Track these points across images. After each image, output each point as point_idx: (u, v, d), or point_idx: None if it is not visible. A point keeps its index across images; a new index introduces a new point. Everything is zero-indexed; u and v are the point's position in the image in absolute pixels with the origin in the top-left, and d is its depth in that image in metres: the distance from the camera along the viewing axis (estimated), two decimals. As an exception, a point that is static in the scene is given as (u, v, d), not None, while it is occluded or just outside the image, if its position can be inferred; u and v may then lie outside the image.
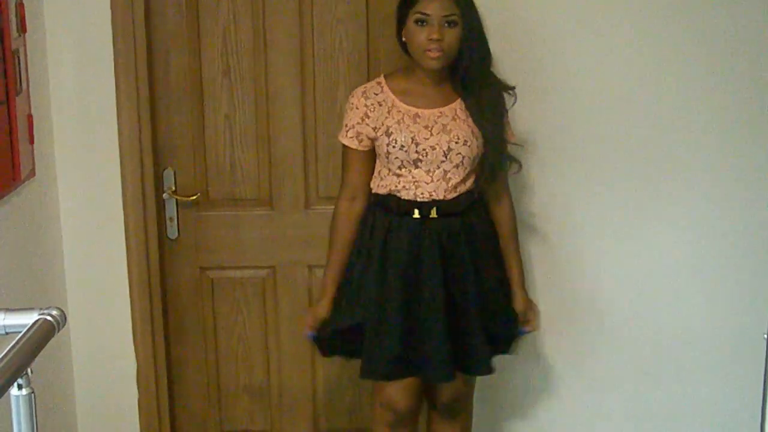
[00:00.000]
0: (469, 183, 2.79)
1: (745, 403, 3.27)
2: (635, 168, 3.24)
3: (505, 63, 3.01)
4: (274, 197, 3.31)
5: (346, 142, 2.80)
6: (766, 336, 2.04)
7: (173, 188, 3.29)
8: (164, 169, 3.28)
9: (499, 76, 2.83)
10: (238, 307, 3.40)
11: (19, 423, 1.56)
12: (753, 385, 3.01)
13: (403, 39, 2.74)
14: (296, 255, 3.34)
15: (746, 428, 3.15)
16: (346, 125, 2.80)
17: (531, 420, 3.46)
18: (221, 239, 3.34)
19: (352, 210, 2.85)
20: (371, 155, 2.82)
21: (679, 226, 3.28)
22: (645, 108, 3.21)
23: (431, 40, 2.64)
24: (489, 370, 2.86)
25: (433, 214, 2.73)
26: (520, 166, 2.90)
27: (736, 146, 3.22)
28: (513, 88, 2.82)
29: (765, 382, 2.05)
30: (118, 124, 3.15)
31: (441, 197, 2.73)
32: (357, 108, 2.77)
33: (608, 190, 3.26)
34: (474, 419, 3.16)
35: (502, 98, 2.81)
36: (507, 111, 2.84)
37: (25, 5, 2.83)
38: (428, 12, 2.64)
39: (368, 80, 2.99)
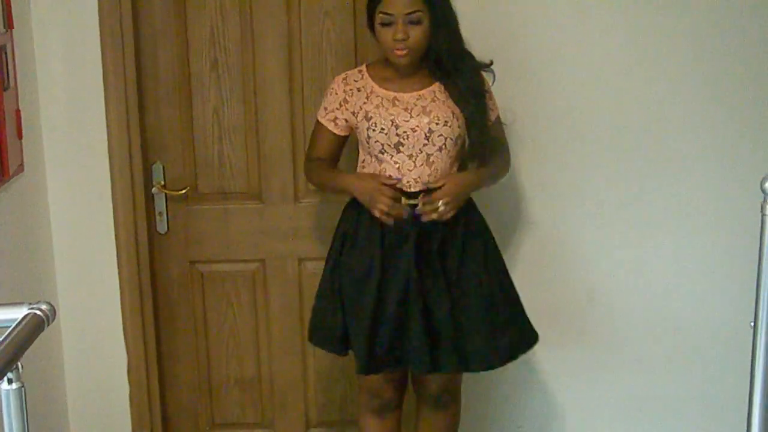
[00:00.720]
0: (459, 168, 2.78)
1: (734, 390, 3.29)
2: (626, 160, 3.25)
3: (495, 53, 3.00)
4: (263, 190, 3.32)
5: (323, 121, 2.82)
6: (752, 324, 2.06)
7: (162, 182, 3.29)
8: (153, 164, 3.28)
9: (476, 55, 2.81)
10: (228, 301, 3.41)
11: (9, 417, 1.56)
12: (741, 373, 3.04)
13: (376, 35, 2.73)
14: (286, 248, 3.35)
15: (735, 415, 3.17)
16: (325, 108, 2.82)
17: (520, 410, 3.47)
18: (211, 233, 3.35)
19: (321, 164, 2.86)
20: (342, 141, 2.84)
21: (668, 217, 3.29)
22: (641, 100, 3.21)
23: (396, 41, 2.64)
24: (488, 365, 2.84)
25: (420, 204, 2.70)
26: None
27: (728, 138, 3.24)
28: (489, 65, 2.80)
29: (752, 369, 2.07)
30: (107, 118, 3.15)
31: (426, 181, 2.71)
32: (336, 93, 2.80)
33: (599, 181, 3.27)
34: (462, 410, 3.17)
35: (481, 77, 2.80)
36: (489, 90, 2.83)
37: (12, 0, 2.82)
38: (390, 11, 2.63)
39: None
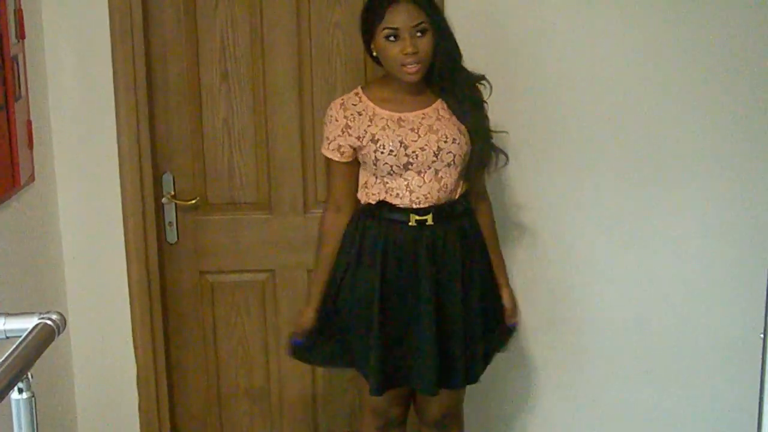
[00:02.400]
0: (463, 186, 2.77)
1: (743, 402, 3.28)
2: (627, 167, 3.25)
3: (491, 60, 3.03)
4: (273, 201, 3.32)
5: (328, 154, 2.76)
6: (762, 336, 2.05)
7: (172, 192, 3.30)
8: (163, 174, 3.29)
9: (471, 69, 2.79)
10: (237, 311, 3.41)
11: (19, 427, 1.56)
12: (751, 384, 3.02)
13: (374, 53, 2.69)
14: (295, 258, 3.35)
15: (745, 428, 3.16)
16: (327, 138, 2.76)
17: (525, 427, 3.46)
18: (220, 243, 3.35)
19: (338, 221, 2.81)
20: (355, 166, 2.78)
21: (673, 225, 3.29)
22: (637, 106, 3.21)
23: (406, 54, 2.60)
24: (472, 379, 2.82)
25: (430, 220, 2.70)
26: (507, 158, 2.85)
27: (731, 143, 3.23)
28: (483, 78, 2.78)
29: (762, 381, 2.06)
30: (117, 128, 3.16)
31: (435, 200, 2.70)
32: (336, 120, 2.73)
33: (599, 189, 3.27)
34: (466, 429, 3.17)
35: (478, 90, 2.78)
36: (486, 102, 2.81)
37: (24, 11, 2.84)
38: (397, 25, 2.59)
39: (366, 82, 2.99)
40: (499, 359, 2.98)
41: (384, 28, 2.61)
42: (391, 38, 2.61)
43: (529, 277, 3.32)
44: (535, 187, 3.27)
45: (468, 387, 2.92)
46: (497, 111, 2.91)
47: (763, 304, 2.04)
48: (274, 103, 3.26)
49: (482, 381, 2.87)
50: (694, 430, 3.42)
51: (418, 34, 2.61)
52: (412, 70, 2.62)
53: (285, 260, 3.35)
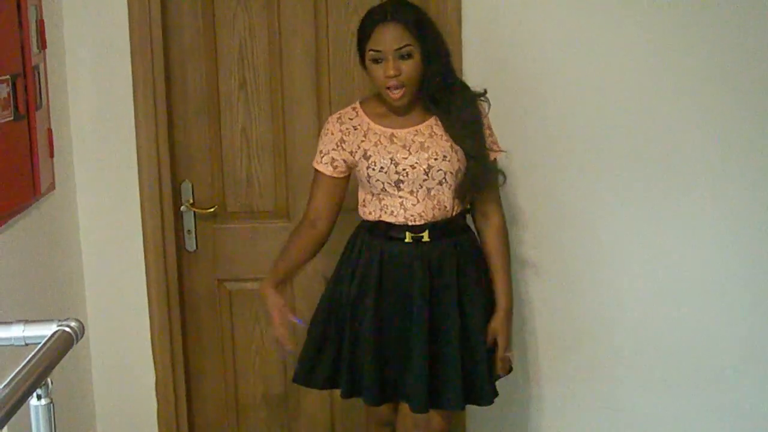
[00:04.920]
0: (458, 203, 2.73)
1: (757, 402, 3.27)
2: (638, 170, 3.23)
3: (488, 74, 3.02)
4: (291, 209, 3.33)
5: (320, 168, 2.76)
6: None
7: (191, 201, 3.32)
8: (182, 182, 3.31)
9: (472, 86, 2.77)
10: (255, 319, 3.42)
11: (38, 433, 1.58)
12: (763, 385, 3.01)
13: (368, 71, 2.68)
14: (312, 267, 3.32)
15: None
16: (321, 151, 2.76)
17: None
18: (239, 251, 3.37)
19: (310, 237, 2.81)
20: (343, 183, 2.77)
21: (688, 226, 3.26)
22: (649, 107, 3.20)
23: (388, 77, 2.58)
24: (460, 405, 2.77)
25: (426, 237, 2.69)
26: (505, 177, 2.82)
27: (744, 144, 3.21)
28: (483, 95, 2.75)
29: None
30: (137, 137, 3.19)
31: (431, 218, 2.69)
32: (332, 134, 2.74)
33: (612, 192, 3.26)
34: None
35: (477, 108, 2.73)
36: (486, 120, 2.75)
37: (45, 22, 2.87)
38: (380, 47, 2.57)
39: (371, 95, 2.99)
40: (511, 376, 2.96)
41: (369, 50, 2.60)
42: (376, 61, 2.60)
43: (540, 281, 3.32)
44: (547, 190, 3.26)
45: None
46: (506, 117, 2.90)
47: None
48: (292, 111, 3.27)
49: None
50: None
51: (401, 57, 2.58)
52: (395, 95, 2.61)
53: (302, 268, 3.35)
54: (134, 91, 3.16)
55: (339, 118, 2.76)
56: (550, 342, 3.36)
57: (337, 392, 3.39)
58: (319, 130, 3.22)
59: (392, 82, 2.59)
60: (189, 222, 3.33)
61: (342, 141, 2.72)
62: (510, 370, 2.87)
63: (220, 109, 3.27)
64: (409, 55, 2.58)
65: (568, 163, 3.24)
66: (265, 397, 3.48)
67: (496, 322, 2.77)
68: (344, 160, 2.73)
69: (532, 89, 3.18)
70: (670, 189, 3.24)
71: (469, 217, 2.85)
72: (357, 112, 2.75)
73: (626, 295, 3.32)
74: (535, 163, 3.21)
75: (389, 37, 2.57)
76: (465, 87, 2.74)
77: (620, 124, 3.20)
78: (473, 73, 3.01)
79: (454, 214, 2.73)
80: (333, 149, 2.73)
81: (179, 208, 3.31)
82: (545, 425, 3.43)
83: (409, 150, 2.67)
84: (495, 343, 2.78)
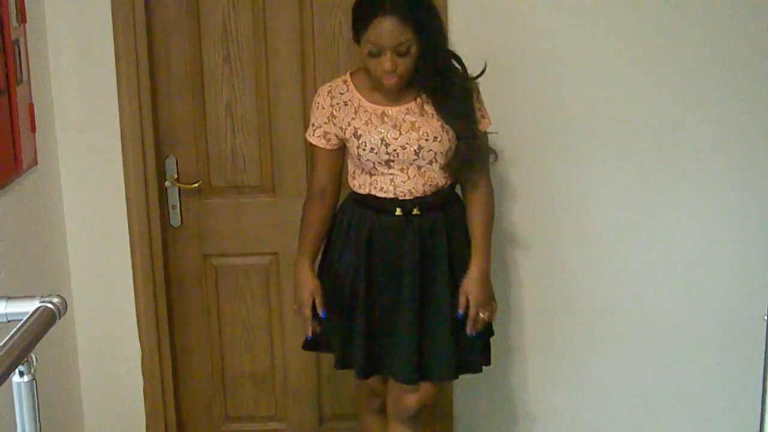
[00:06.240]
0: (448, 178, 2.73)
1: (747, 386, 3.28)
2: (630, 157, 3.24)
3: (481, 55, 2.98)
4: (276, 184, 3.32)
5: (314, 141, 2.76)
6: (766, 318, 2.05)
7: (175, 176, 3.30)
8: (166, 157, 3.29)
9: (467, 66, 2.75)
10: (241, 294, 3.42)
11: (21, 410, 1.57)
12: (754, 368, 3.01)
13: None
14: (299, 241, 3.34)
15: (748, 411, 3.15)
16: (313, 124, 2.75)
17: (538, 402, 3.46)
18: (224, 227, 3.35)
19: (323, 207, 2.80)
20: (340, 153, 2.77)
21: (675, 214, 3.28)
22: (646, 97, 3.20)
23: (384, 72, 2.56)
24: (452, 374, 2.80)
25: (416, 211, 2.69)
26: (496, 156, 2.83)
27: (740, 133, 3.21)
28: (476, 79, 2.72)
29: (765, 363, 2.05)
30: (120, 112, 3.16)
31: (421, 193, 2.69)
32: (323, 108, 2.72)
33: (603, 180, 3.26)
34: (468, 416, 3.15)
35: (470, 90, 2.71)
36: (478, 96, 2.74)
37: (25, -5, 2.84)
38: (379, 43, 2.53)
39: (363, 66, 2.97)
40: (500, 348, 2.97)
41: (367, 42, 2.56)
42: (373, 54, 2.57)
43: (533, 264, 3.32)
44: (543, 179, 3.26)
45: (468, 376, 2.91)
46: (502, 105, 2.90)
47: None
48: (276, 85, 3.25)
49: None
50: (700, 413, 3.41)
51: (399, 54, 2.55)
52: (390, 83, 2.60)
53: (288, 243, 3.33)
54: (117, 66, 3.13)
55: (330, 91, 2.74)
56: (538, 317, 3.36)
57: (324, 367, 3.44)
58: (305, 105, 3.24)
59: (388, 75, 2.57)
60: (174, 197, 3.31)
61: (332, 116, 2.71)
62: (487, 333, 2.83)
63: (204, 83, 3.25)
64: (407, 52, 2.55)
65: (557, 140, 3.23)
66: (251, 372, 3.48)
67: (468, 282, 2.73)
68: (336, 134, 2.72)
69: (522, 65, 3.17)
70: (661, 166, 3.24)
71: (458, 187, 2.84)
72: (348, 86, 2.73)
73: (616, 271, 3.33)
74: (525, 139, 3.20)
75: (387, 32, 2.52)
76: (457, 70, 2.70)
77: (612, 102, 3.20)
78: (461, 49, 2.98)
79: (446, 187, 2.73)
80: (324, 123, 2.73)
81: (164, 184, 3.29)
82: (532, 399, 3.45)
83: (399, 130, 2.66)
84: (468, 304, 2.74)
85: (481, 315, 2.73)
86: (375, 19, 2.52)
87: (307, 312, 2.78)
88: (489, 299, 2.77)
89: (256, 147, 3.30)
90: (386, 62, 2.55)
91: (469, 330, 2.73)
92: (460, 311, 2.72)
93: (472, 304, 2.71)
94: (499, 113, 2.89)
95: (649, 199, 3.26)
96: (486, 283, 2.76)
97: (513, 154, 3.19)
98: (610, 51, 3.17)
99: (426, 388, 2.79)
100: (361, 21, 2.59)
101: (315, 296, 2.77)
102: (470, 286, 2.72)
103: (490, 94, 2.81)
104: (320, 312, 2.76)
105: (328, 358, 3.39)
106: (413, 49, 2.56)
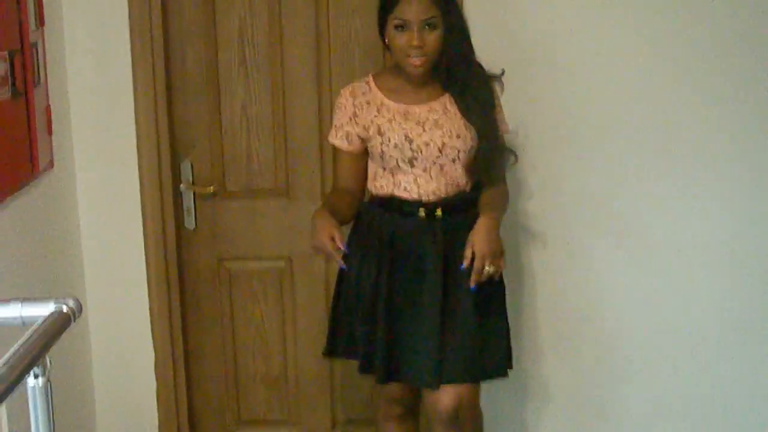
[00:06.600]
0: (470, 178, 2.74)
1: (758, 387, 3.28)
2: (642, 165, 3.22)
3: (500, 53, 2.99)
4: (291, 187, 3.32)
5: (336, 143, 2.77)
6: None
7: (190, 179, 3.30)
8: (181, 161, 3.29)
9: (486, 66, 2.76)
10: (255, 298, 3.41)
11: (36, 412, 1.57)
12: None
13: (386, 40, 2.68)
14: (315, 267, 3.34)
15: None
16: (336, 125, 2.76)
17: (556, 411, 3.44)
18: (238, 230, 3.35)
19: (350, 196, 2.77)
20: (362, 156, 2.77)
21: (697, 213, 3.25)
22: (654, 104, 3.18)
23: (412, 47, 2.58)
24: (474, 378, 2.75)
25: (438, 212, 2.69)
26: (516, 157, 2.84)
27: (748, 142, 3.19)
28: (499, 77, 2.76)
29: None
30: (136, 115, 3.17)
31: (444, 194, 2.69)
32: (345, 108, 2.74)
33: (615, 186, 3.25)
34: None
35: (491, 89, 2.75)
36: (498, 101, 2.78)
37: (43, -2, 2.85)
38: (406, 17, 2.57)
39: (384, 69, 2.98)
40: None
41: (395, 18, 2.60)
42: (400, 29, 2.60)
43: (546, 252, 3.31)
44: (551, 183, 3.25)
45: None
46: (512, 109, 2.89)
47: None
48: (292, 89, 3.25)
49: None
50: (714, 421, 3.40)
51: (427, 27, 2.58)
52: (416, 62, 2.61)
53: (302, 247, 3.34)
54: (133, 69, 3.14)
55: (352, 91, 2.76)
56: (554, 314, 3.34)
57: (337, 371, 3.43)
58: (320, 108, 3.24)
59: (415, 51, 2.59)
60: (188, 201, 3.32)
61: (355, 115, 2.72)
62: (498, 291, 2.76)
63: (220, 87, 3.25)
64: (435, 26, 2.59)
65: (575, 139, 3.22)
66: (264, 376, 3.47)
67: (473, 233, 2.61)
68: (358, 135, 2.73)
69: (541, 65, 3.16)
70: (671, 182, 3.23)
71: None
72: (370, 86, 2.75)
73: (632, 269, 3.31)
74: (543, 139, 3.20)
75: (416, 8, 2.57)
76: (481, 67, 2.74)
77: (630, 103, 3.18)
78: (478, 51, 2.99)
79: (468, 188, 2.74)
80: (346, 123, 2.73)
81: (178, 187, 3.29)
82: (548, 396, 3.43)
83: (423, 127, 2.67)
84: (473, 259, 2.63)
85: (486, 268, 2.60)
86: None
87: (330, 245, 2.55)
88: (495, 253, 2.62)
89: (271, 150, 3.30)
90: (413, 37, 2.57)
91: (472, 282, 2.61)
92: (465, 264, 2.60)
93: (477, 255, 2.59)
94: (517, 110, 2.92)
95: (671, 199, 3.24)
96: (492, 236, 2.62)
97: (530, 154, 3.18)
98: (628, 52, 3.16)
99: (459, 388, 2.74)
100: (388, 2, 2.62)
101: (334, 232, 2.55)
102: (475, 236, 2.60)
103: (505, 96, 2.82)
104: (341, 246, 2.56)
105: (341, 363, 3.41)
106: (440, 28, 2.59)
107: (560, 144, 3.22)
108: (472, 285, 2.61)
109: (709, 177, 3.23)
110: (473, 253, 2.59)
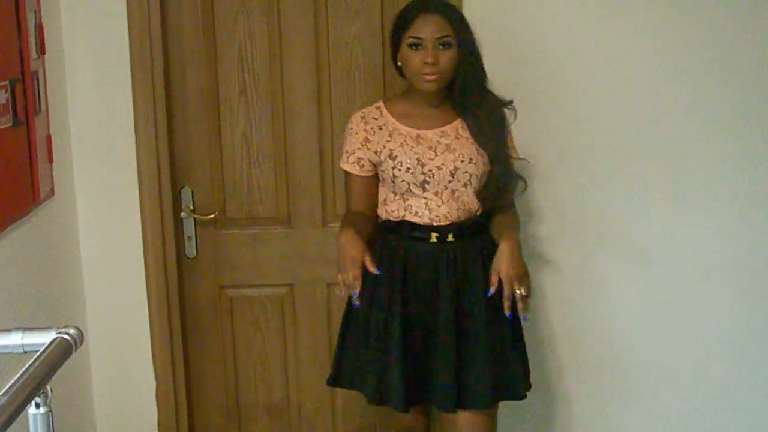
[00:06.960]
0: (481, 203, 2.74)
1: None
2: (651, 181, 3.23)
3: (509, 78, 3.01)
4: (292, 215, 3.32)
5: (347, 168, 2.78)
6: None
7: (191, 207, 3.30)
8: (182, 188, 3.29)
9: (496, 92, 2.78)
10: (256, 325, 3.41)
11: (37, 442, 1.56)
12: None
13: (399, 63, 2.70)
14: (314, 272, 3.34)
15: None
16: (347, 151, 2.78)
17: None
18: (239, 257, 3.35)
19: (362, 215, 2.77)
20: (374, 180, 2.79)
21: (710, 229, 3.26)
22: (661, 120, 3.19)
23: (426, 64, 2.60)
24: (489, 403, 2.73)
25: (450, 237, 2.70)
26: (525, 184, 2.83)
27: (757, 157, 3.21)
28: (510, 103, 2.77)
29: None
30: (136, 143, 3.17)
31: (455, 218, 2.70)
32: (356, 133, 2.75)
33: (623, 200, 3.26)
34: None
35: (502, 115, 2.76)
36: (509, 127, 2.79)
37: (44, 27, 2.85)
38: (421, 35, 2.61)
39: (384, 96, 2.99)
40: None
41: (409, 36, 2.62)
42: (414, 47, 2.62)
43: (560, 279, 3.31)
44: (558, 198, 3.26)
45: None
46: (520, 127, 2.90)
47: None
48: (292, 116, 3.26)
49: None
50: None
51: (441, 46, 2.61)
52: (430, 78, 2.62)
53: (304, 274, 3.35)
54: (134, 97, 3.15)
55: (363, 117, 2.77)
56: (568, 338, 3.34)
57: (339, 397, 3.42)
58: (320, 136, 3.24)
59: (429, 69, 2.61)
60: (189, 228, 3.32)
61: (366, 140, 2.73)
62: (523, 309, 2.61)
63: (220, 114, 3.26)
64: (449, 46, 2.61)
65: (582, 161, 3.23)
66: (266, 403, 3.46)
67: (497, 259, 2.58)
68: (369, 160, 2.74)
69: (545, 84, 3.18)
70: (689, 186, 3.24)
71: None
72: (381, 112, 2.76)
73: (646, 291, 3.31)
74: (554, 164, 3.21)
75: (431, 26, 2.61)
76: (492, 93, 2.76)
77: (637, 119, 3.20)
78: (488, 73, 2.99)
79: (479, 213, 2.74)
80: (358, 149, 2.74)
81: (179, 215, 3.29)
82: (565, 417, 3.42)
83: (435, 151, 2.68)
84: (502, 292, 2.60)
85: (517, 291, 2.55)
86: (419, 16, 2.62)
87: (357, 270, 2.56)
88: (521, 275, 2.58)
89: (272, 178, 3.30)
90: (428, 54, 2.59)
91: (507, 310, 2.57)
92: (491, 290, 2.58)
93: (505, 281, 2.55)
94: (526, 132, 2.95)
95: (683, 218, 3.25)
96: (515, 259, 2.58)
97: (541, 179, 3.20)
98: (643, 76, 3.17)
99: (476, 417, 2.72)
100: (403, 22, 2.65)
101: (365, 255, 2.56)
102: (499, 262, 2.57)
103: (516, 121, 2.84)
104: (373, 269, 2.55)
105: (343, 391, 3.38)
106: (454, 47, 2.62)
107: (572, 169, 3.23)
108: (507, 312, 2.59)
109: (737, 193, 3.23)
110: (500, 279, 2.57)
